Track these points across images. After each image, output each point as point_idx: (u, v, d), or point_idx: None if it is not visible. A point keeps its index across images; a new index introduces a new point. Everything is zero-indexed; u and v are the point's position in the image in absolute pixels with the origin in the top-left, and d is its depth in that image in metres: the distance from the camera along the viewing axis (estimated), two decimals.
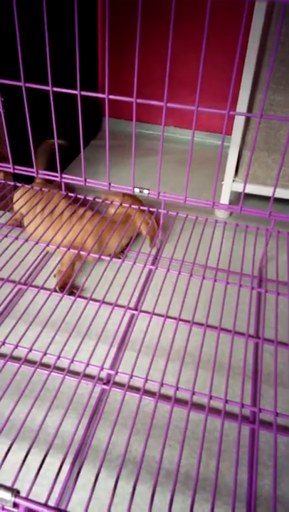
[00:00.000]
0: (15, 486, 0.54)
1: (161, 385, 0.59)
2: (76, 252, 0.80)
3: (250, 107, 0.97)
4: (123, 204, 0.91)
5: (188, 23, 1.33)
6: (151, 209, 0.88)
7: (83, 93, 0.74)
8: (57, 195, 0.95)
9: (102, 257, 0.80)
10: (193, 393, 0.59)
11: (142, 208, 0.89)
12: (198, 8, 1.30)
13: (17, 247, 0.90)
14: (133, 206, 0.90)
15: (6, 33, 0.84)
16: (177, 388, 0.59)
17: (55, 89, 0.75)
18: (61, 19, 1.07)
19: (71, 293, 0.83)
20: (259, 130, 0.98)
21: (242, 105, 0.93)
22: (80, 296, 0.81)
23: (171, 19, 0.60)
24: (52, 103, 0.76)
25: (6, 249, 0.79)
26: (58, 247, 0.80)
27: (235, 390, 0.68)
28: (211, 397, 0.58)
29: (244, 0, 1.25)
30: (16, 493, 0.41)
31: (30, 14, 0.92)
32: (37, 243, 0.80)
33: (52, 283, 0.85)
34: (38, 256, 0.86)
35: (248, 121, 1.01)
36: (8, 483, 0.55)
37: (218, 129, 1.52)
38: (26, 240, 0.81)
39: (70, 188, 1.20)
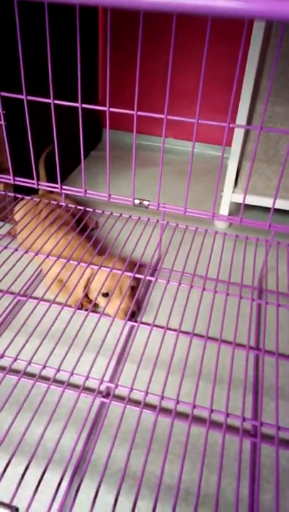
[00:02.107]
0: (13, 503, 0.53)
1: (162, 398, 0.59)
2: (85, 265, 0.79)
3: (249, 119, 0.98)
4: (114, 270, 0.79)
5: (188, 35, 1.35)
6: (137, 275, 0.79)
7: (84, 106, 0.75)
8: (56, 207, 0.95)
9: (103, 268, 0.80)
10: (194, 406, 0.58)
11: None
12: (199, 20, 1.32)
13: (17, 258, 0.90)
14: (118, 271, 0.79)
15: (8, 46, 0.85)
16: (178, 402, 0.58)
17: (56, 101, 0.76)
18: (62, 31, 1.08)
19: (85, 308, 0.81)
20: (259, 142, 0.98)
21: (242, 117, 0.94)
22: (79, 308, 0.80)
23: (172, 33, 0.60)
24: (53, 115, 0.76)
25: (6, 260, 0.79)
26: (58, 258, 0.80)
27: (236, 403, 0.67)
28: (212, 411, 0.57)
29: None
30: (15, 510, 0.40)
31: (32, 28, 0.93)
32: (37, 254, 0.80)
33: (51, 294, 0.85)
34: (38, 267, 0.86)
35: (247, 132, 1.01)
36: (7, 499, 0.54)
37: (217, 140, 1.53)
38: (26, 252, 0.81)
39: (73, 199, 1.20)
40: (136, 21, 1.37)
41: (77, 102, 0.73)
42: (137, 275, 0.79)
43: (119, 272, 0.78)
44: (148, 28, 1.36)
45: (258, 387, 0.70)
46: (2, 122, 0.86)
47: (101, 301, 0.81)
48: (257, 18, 0.15)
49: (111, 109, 0.74)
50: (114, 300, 0.79)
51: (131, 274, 0.79)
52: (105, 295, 0.79)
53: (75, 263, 0.80)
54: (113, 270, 0.78)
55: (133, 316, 0.78)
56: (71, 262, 0.80)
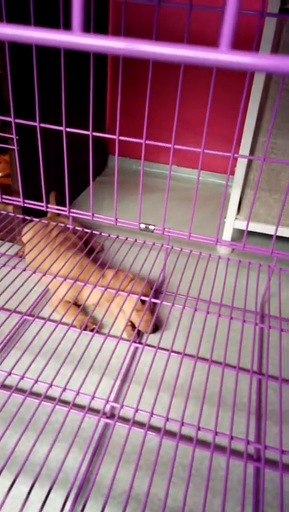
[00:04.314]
0: None
1: (167, 420, 0.59)
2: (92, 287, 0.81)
3: (252, 150, 1.01)
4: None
5: (195, 69, 1.41)
6: (143, 298, 0.82)
7: (95, 134, 0.78)
8: (64, 230, 0.98)
9: (109, 289, 0.81)
10: (199, 429, 0.58)
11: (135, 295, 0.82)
12: None
13: (24, 278, 0.92)
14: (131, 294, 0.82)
15: (23, 76, 0.89)
16: (182, 423, 0.59)
17: (68, 129, 0.79)
18: (73, 61, 1.13)
19: (90, 328, 0.83)
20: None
21: (245, 148, 0.98)
22: (85, 330, 0.81)
23: (180, 70, 0.64)
24: (64, 143, 0.80)
25: (14, 280, 0.81)
26: (65, 279, 0.81)
27: (240, 427, 0.68)
28: (216, 434, 0.58)
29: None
30: None
31: (46, 58, 0.98)
32: (44, 275, 0.82)
33: (58, 315, 0.86)
34: (45, 288, 0.87)
35: (250, 162, 1.05)
36: None
37: (219, 169, 1.57)
38: (34, 272, 0.83)
39: (79, 222, 1.23)
40: None
41: (84, 128, 0.77)
42: (143, 298, 0.81)
43: (137, 296, 0.81)
44: (154, 60, 1.43)
45: (261, 412, 0.70)
46: (15, 147, 0.89)
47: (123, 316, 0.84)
48: (262, 72, 0.17)
49: (120, 138, 0.78)
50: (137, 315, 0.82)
51: (147, 298, 0.81)
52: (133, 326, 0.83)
53: (82, 284, 0.81)
54: (131, 295, 0.81)
55: (156, 329, 0.81)
56: (78, 283, 0.82)
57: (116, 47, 0.16)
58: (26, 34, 0.16)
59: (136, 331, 0.74)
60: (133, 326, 0.83)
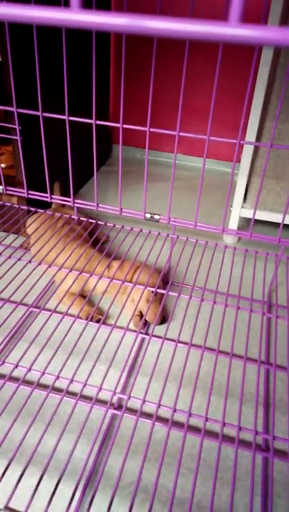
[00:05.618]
0: None
1: (174, 411, 0.59)
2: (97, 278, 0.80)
3: (258, 136, 0.99)
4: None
5: (199, 54, 1.38)
6: (151, 288, 0.81)
7: (98, 122, 0.77)
8: (68, 221, 0.97)
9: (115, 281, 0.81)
10: (207, 419, 0.58)
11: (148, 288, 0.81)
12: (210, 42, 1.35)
13: (30, 270, 0.91)
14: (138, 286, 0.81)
15: (24, 65, 0.88)
16: (190, 414, 0.58)
17: (71, 118, 0.78)
18: (76, 49, 1.11)
19: (96, 319, 0.82)
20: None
21: (251, 134, 0.96)
22: (91, 321, 0.81)
23: (184, 51, 0.63)
24: (68, 132, 0.78)
25: (20, 272, 0.80)
26: (71, 270, 0.81)
27: (248, 417, 0.67)
28: (224, 424, 0.57)
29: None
30: None
31: (49, 46, 0.96)
32: (50, 266, 0.82)
33: (64, 306, 0.86)
34: (51, 279, 0.87)
35: (256, 149, 1.03)
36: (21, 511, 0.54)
37: (225, 157, 1.55)
38: (39, 264, 0.82)
39: (84, 213, 1.22)
40: (147, 40, 1.41)
41: (88, 117, 0.75)
42: (149, 288, 0.80)
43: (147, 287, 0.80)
44: (158, 46, 1.40)
45: (269, 402, 0.70)
46: (18, 137, 0.88)
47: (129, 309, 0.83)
48: (268, 45, 0.16)
49: (124, 126, 0.76)
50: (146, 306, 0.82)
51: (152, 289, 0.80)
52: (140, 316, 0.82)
53: (87, 275, 0.81)
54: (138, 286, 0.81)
55: (164, 321, 0.81)
56: (83, 274, 0.81)
57: (118, 23, 0.15)
58: (21, 13, 0.15)
59: (143, 320, 0.74)
60: (140, 315, 0.83)
